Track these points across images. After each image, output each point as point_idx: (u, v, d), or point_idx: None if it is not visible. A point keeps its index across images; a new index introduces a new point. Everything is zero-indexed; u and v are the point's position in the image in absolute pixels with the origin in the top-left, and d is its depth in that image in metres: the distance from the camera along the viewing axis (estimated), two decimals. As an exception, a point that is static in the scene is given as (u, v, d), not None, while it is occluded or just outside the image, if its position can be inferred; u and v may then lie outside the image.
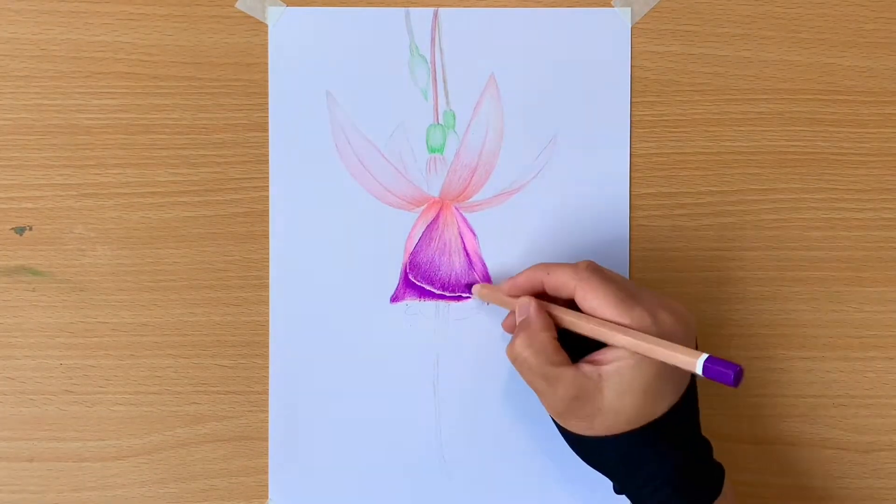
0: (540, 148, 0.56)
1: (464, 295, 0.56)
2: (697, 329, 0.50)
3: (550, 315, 0.49)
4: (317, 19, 0.56)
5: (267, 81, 0.55)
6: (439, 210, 0.56)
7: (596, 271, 0.48)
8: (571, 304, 0.49)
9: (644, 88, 0.56)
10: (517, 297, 0.51)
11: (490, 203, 0.56)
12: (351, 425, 0.55)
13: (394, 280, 0.56)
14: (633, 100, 0.56)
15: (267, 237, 0.56)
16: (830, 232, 0.57)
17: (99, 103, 0.55)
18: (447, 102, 0.56)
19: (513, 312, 0.51)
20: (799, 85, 0.56)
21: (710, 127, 0.56)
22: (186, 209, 0.55)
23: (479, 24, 0.56)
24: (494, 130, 0.56)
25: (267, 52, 0.55)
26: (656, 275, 0.56)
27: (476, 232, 0.56)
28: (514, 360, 0.49)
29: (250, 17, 0.55)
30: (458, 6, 0.56)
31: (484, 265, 0.56)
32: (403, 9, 0.56)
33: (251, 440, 0.56)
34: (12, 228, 0.55)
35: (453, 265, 0.56)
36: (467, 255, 0.56)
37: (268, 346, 0.56)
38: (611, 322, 0.47)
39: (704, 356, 0.43)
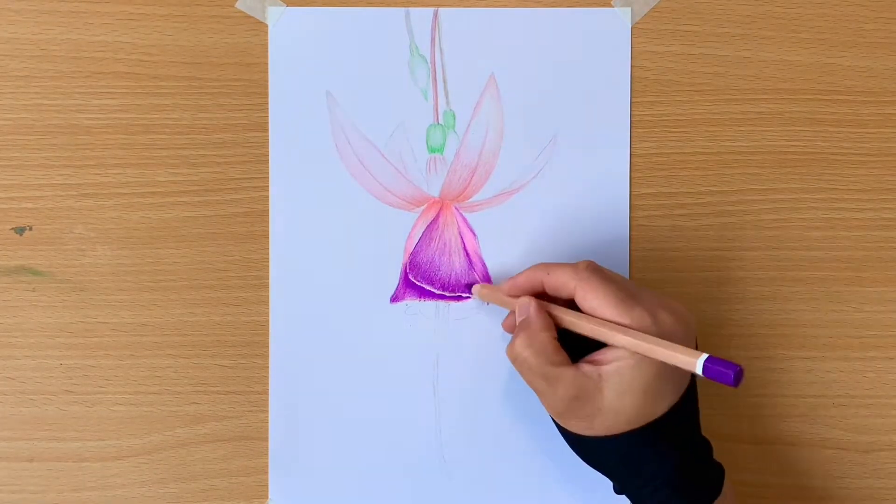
0: (540, 148, 0.56)
1: (464, 295, 0.56)
2: (697, 329, 0.50)
3: (550, 315, 0.49)
4: (317, 19, 0.55)
5: (267, 81, 0.55)
6: (439, 210, 0.56)
7: (596, 271, 0.48)
8: (571, 304, 0.49)
9: (644, 88, 0.56)
10: (517, 297, 0.51)
11: (490, 203, 0.56)
12: (351, 425, 0.55)
13: (394, 280, 0.56)
14: (633, 100, 0.56)
15: (267, 237, 0.56)
16: (830, 232, 0.57)
17: (99, 103, 0.55)
18: (447, 102, 0.56)
19: (513, 312, 0.51)
20: (799, 85, 0.56)
21: (710, 127, 0.56)
22: (186, 209, 0.55)
23: (479, 24, 0.56)
24: (494, 130, 0.56)
25: (267, 52, 0.55)
26: (656, 275, 0.56)
27: (476, 232, 0.56)
28: (514, 360, 0.49)
29: (250, 17, 0.55)
30: (458, 6, 0.56)
31: (484, 265, 0.56)
32: (403, 9, 0.56)
33: (251, 440, 0.56)
34: (12, 228, 0.55)
35: (453, 265, 0.56)
36: (467, 255, 0.56)
37: (268, 346, 0.55)
38: (611, 322, 0.47)
39: (704, 356, 0.43)
